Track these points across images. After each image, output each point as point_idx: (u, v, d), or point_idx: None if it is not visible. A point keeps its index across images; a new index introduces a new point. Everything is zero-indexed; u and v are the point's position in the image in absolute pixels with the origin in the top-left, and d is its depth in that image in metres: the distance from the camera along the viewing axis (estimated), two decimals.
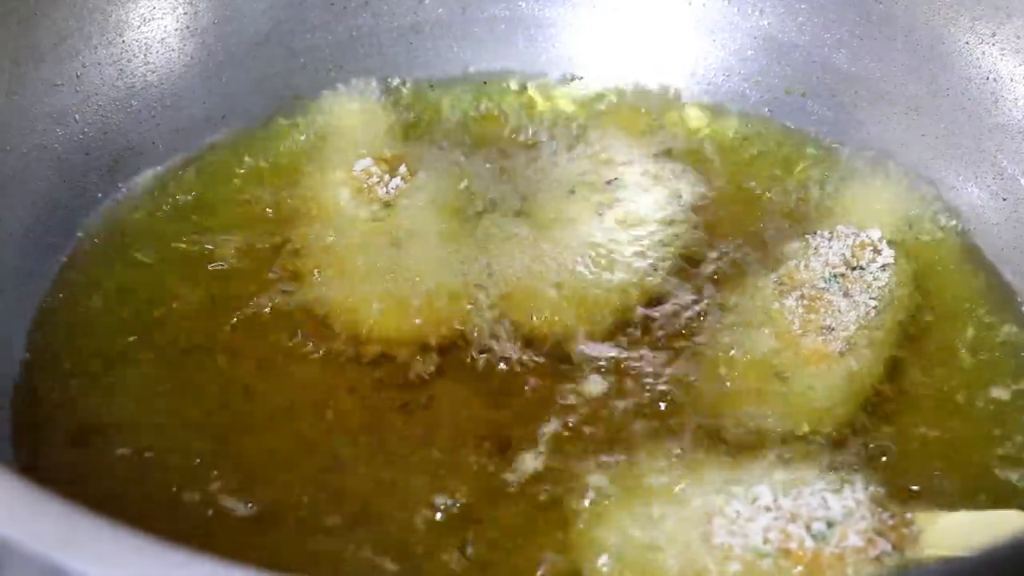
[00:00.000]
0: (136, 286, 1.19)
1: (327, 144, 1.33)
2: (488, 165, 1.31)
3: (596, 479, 1.02)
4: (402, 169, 1.25)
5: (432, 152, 1.32)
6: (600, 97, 1.43)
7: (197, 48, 1.35)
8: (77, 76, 1.26)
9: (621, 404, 1.09)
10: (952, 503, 1.02)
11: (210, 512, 1.00)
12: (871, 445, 1.06)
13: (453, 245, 1.20)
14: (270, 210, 1.26)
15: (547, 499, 1.02)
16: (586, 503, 1.00)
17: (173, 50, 1.34)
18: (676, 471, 1.02)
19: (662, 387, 1.11)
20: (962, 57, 1.30)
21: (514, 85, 1.44)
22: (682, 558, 0.91)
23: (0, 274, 1.16)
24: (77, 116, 1.26)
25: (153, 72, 1.32)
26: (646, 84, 1.44)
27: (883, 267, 1.15)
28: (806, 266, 1.15)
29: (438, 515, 1.01)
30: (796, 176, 1.34)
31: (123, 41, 1.30)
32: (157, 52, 1.33)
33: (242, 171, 1.31)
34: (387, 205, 1.22)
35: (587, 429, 1.07)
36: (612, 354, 1.13)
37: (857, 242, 1.16)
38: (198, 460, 1.04)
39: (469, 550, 0.98)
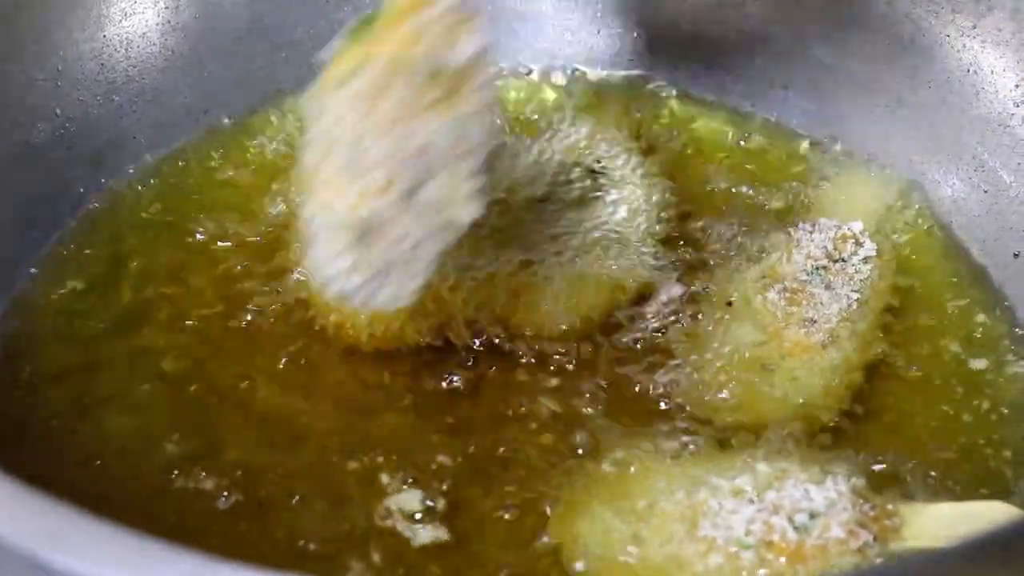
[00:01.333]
0: (120, 281, 1.19)
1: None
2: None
3: (579, 471, 1.03)
4: None
5: None
6: (583, 91, 1.44)
7: (178, 43, 1.35)
8: (58, 71, 1.26)
9: (605, 397, 1.10)
10: (935, 494, 1.02)
11: (194, 503, 1.01)
12: (854, 436, 1.07)
13: None
14: (255, 205, 1.26)
15: (531, 492, 1.02)
16: (569, 496, 1.00)
17: (154, 44, 1.34)
18: (659, 463, 1.02)
19: (646, 381, 1.11)
20: (943, 49, 1.31)
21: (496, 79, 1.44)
22: (665, 550, 0.92)
23: None
24: (58, 111, 1.25)
25: (134, 67, 1.32)
26: (628, 77, 1.44)
27: (865, 259, 1.15)
28: (788, 259, 1.15)
29: (421, 505, 1.01)
30: (778, 169, 1.34)
31: (104, 36, 1.30)
32: (138, 47, 1.32)
33: (226, 165, 1.31)
34: None
35: (571, 422, 1.08)
36: (594, 349, 1.14)
37: (839, 235, 1.17)
38: (178, 454, 1.05)
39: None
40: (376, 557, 0.97)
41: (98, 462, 1.04)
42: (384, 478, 1.03)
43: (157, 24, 1.34)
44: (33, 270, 1.19)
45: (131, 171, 1.29)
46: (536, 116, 1.39)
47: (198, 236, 1.23)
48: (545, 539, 0.98)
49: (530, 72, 1.45)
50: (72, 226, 1.23)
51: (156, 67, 1.34)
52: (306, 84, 1.38)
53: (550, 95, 1.43)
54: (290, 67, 1.40)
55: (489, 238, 1.20)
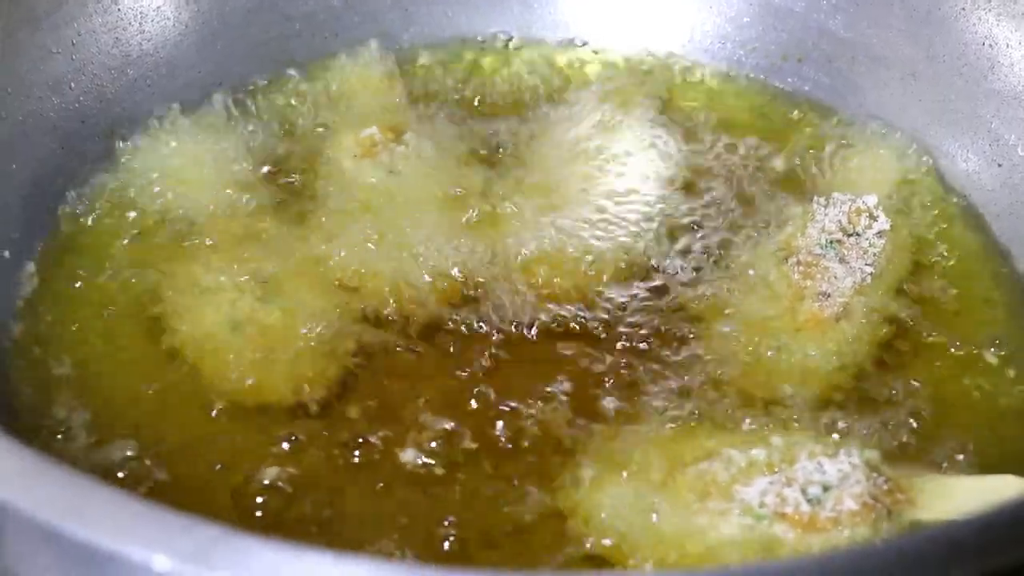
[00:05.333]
0: (134, 254, 1.18)
1: (328, 112, 1.33)
2: (488, 131, 1.32)
3: (594, 444, 1.03)
4: (406, 136, 1.25)
5: (433, 118, 1.32)
6: (597, 62, 1.44)
7: (192, 16, 1.35)
8: (72, 44, 1.26)
9: (619, 370, 1.10)
10: (948, 467, 1.02)
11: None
12: (868, 409, 1.07)
13: (454, 211, 1.21)
14: (273, 176, 1.26)
15: (545, 463, 1.02)
16: (584, 467, 1.00)
17: (168, 18, 1.34)
18: (674, 435, 1.02)
19: (660, 352, 1.11)
20: (959, 22, 1.30)
21: (511, 50, 1.44)
22: (679, 521, 0.92)
23: None
24: (73, 84, 1.25)
25: (148, 40, 1.32)
26: (642, 49, 1.44)
27: (879, 233, 1.15)
28: (803, 233, 1.15)
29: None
30: (793, 142, 1.34)
31: (118, 9, 1.30)
32: (152, 20, 1.32)
33: (241, 138, 1.30)
34: (391, 172, 1.22)
35: (584, 395, 1.08)
36: (610, 320, 1.14)
37: (853, 208, 1.16)
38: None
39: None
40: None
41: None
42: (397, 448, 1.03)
43: None
44: (45, 243, 1.19)
45: (145, 144, 1.28)
46: (550, 88, 1.39)
47: (213, 210, 1.22)
48: (560, 510, 0.98)
49: (544, 44, 1.45)
50: (87, 199, 1.23)
51: (170, 41, 1.34)
52: (318, 56, 1.39)
53: (563, 67, 1.43)
54: (304, 39, 1.40)
55: (505, 211, 1.21)
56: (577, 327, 1.13)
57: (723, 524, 0.91)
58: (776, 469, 0.93)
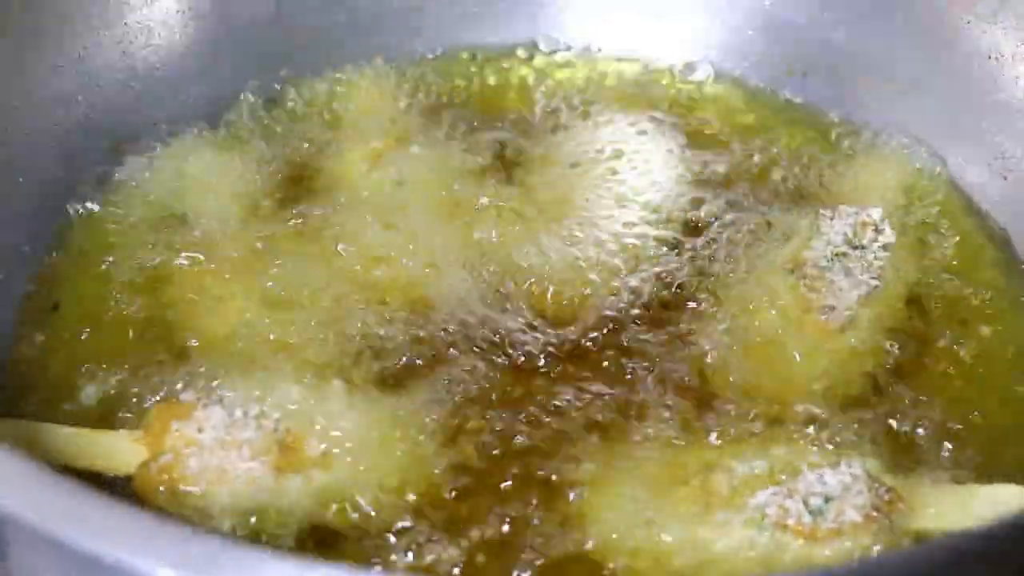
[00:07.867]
0: (140, 266, 1.18)
1: (335, 124, 1.34)
2: (494, 140, 1.33)
3: (596, 456, 1.03)
4: (413, 148, 1.26)
5: (440, 129, 1.33)
6: (602, 74, 1.44)
7: (198, 31, 1.36)
8: (79, 58, 1.26)
9: (622, 380, 1.10)
10: (951, 477, 1.02)
11: None
12: (870, 420, 1.07)
13: (462, 221, 1.21)
14: (279, 188, 1.27)
15: (547, 475, 1.02)
16: (586, 479, 1.00)
17: (175, 32, 1.34)
18: (676, 446, 1.02)
19: (663, 364, 1.11)
20: (963, 35, 1.30)
21: (517, 62, 1.45)
22: (681, 532, 0.92)
23: (2, 252, 1.16)
24: (80, 98, 1.26)
25: (155, 54, 1.33)
26: (649, 61, 1.45)
27: (884, 246, 1.15)
28: (808, 246, 1.15)
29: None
30: (797, 155, 1.34)
31: (125, 23, 1.30)
32: (159, 34, 1.33)
33: (247, 151, 1.30)
34: (399, 183, 1.23)
35: (586, 407, 1.07)
36: (613, 330, 1.14)
37: (859, 221, 1.16)
38: None
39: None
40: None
41: None
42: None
43: (178, 11, 1.34)
44: (51, 253, 1.20)
45: (152, 157, 1.28)
46: (555, 99, 1.40)
47: (218, 222, 1.22)
48: (562, 522, 0.98)
49: (549, 55, 1.46)
50: (91, 210, 1.23)
51: (176, 54, 1.34)
52: (325, 69, 1.40)
53: (568, 78, 1.43)
54: (309, 54, 1.40)
55: (510, 218, 1.21)
56: (580, 338, 1.13)
57: (725, 535, 0.91)
58: (778, 480, 0.93)
